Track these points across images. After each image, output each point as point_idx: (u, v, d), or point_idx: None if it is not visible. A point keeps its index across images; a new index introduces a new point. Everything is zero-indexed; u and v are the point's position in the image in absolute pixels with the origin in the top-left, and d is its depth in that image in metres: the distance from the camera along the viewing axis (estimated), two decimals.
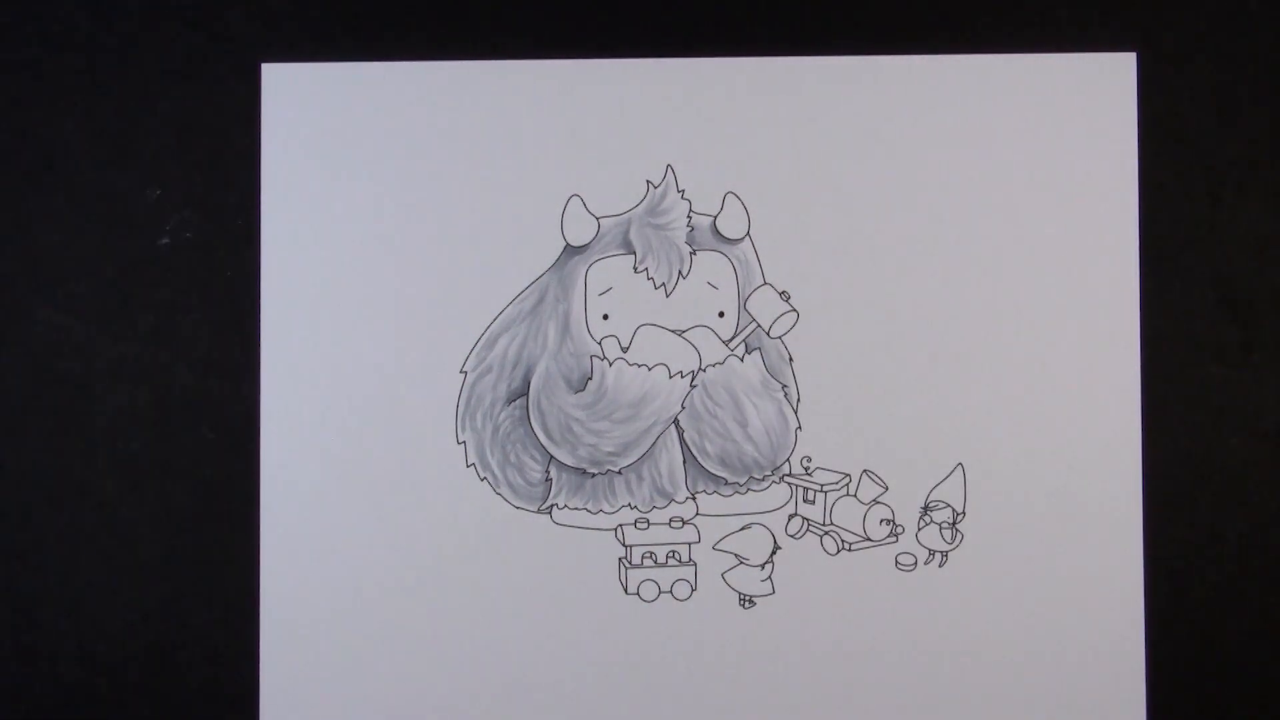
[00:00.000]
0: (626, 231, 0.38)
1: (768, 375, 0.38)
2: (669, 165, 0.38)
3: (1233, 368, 0.38)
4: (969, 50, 0.38)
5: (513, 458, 0.38)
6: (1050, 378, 0.37)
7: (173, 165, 0.38)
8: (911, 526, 0.38)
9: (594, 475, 0.38)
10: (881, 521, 0.38)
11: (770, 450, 0.38)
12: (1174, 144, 0.38)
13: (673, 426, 0.38)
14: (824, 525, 0.38)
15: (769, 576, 0.38)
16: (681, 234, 0.38)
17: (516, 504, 0.38)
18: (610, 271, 0.38)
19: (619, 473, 0.38)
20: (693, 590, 0.38)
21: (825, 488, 0.37)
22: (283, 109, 0.38)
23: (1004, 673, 0.37)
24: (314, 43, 0.38)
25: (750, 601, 0.38)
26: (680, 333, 0.38)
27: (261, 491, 0.38)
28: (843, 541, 0.38)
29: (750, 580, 0.38)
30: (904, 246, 0.38)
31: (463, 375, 0.38)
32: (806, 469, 0.38)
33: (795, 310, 0.38)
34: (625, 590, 0.38)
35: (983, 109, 0.38)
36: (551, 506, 0.38)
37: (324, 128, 0.38)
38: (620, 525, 0.38)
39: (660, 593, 0.38)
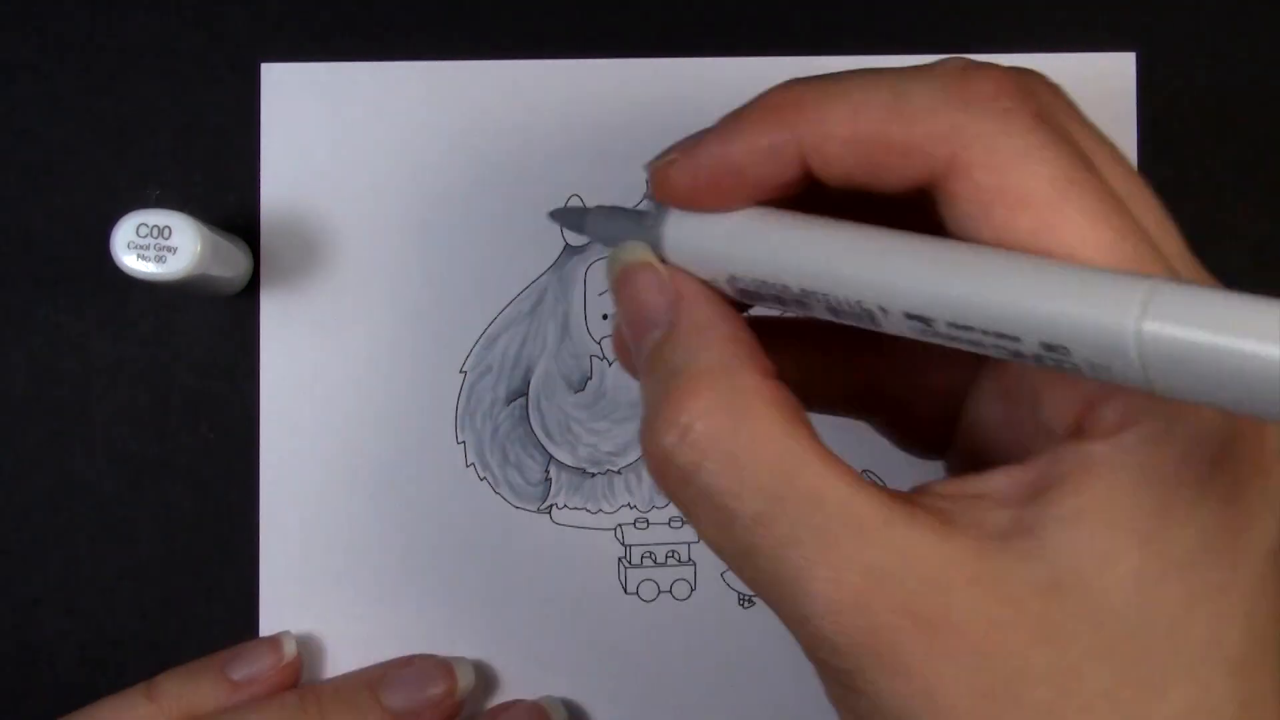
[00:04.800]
0: None
1: None
2: None
3: None
4: (969, 50, 0.38)
5: (512, 458, 0.38)
6: None
7: (172, 165, 0.38)
8: None
9: (594, 475, 0.38)
10: None
11: None
12: (1174, 144, 0.38)
13: None
14: None
15: None
16: None
17: (516, 504, 0.38)
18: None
19: (619, 472, 0.38)
20: (692, 590, 0.38)
21: None
22: (283, 109, 0.38)
23: None
24: (314, 43, 0.38)
25: (750, 601, 0.38)
26: None
27: (261, 491, 0.38)
28: None
29: None
30: None
31: (462, 375, 0.38)
32: None
33: None
34: (624, 590, 0.38)
35: None
36: (551, 506, 0.38)
37: (324, 128, 0.38)
38: (620, 525, 0.38)
39: (660, 592, 0.38)
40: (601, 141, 0.38)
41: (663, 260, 0.26)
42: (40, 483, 0.37)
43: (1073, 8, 0.38)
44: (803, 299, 0.24)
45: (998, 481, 0.23)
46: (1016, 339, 0.20)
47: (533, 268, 0.38)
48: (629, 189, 0.38)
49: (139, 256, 0.32)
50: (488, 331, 0.38)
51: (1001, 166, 0.22)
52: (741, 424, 0.23)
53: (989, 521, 0.22)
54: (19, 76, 0.38)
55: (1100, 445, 0.22)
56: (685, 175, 0.25)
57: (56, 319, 0.38)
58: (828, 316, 0.24)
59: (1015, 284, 0.20)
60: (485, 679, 0.37)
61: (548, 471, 0.38)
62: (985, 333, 0.20)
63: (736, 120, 0.25)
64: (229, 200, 0.38)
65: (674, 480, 0.24)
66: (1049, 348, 0.20)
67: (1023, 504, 0.22)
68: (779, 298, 0.24)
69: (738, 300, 0.25)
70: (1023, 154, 0.22)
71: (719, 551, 0.24)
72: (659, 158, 0.26)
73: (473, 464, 0.38)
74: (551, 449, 0.38)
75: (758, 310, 0.27)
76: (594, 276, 0.38)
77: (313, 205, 0.38)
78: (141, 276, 0.32)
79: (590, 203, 0.38)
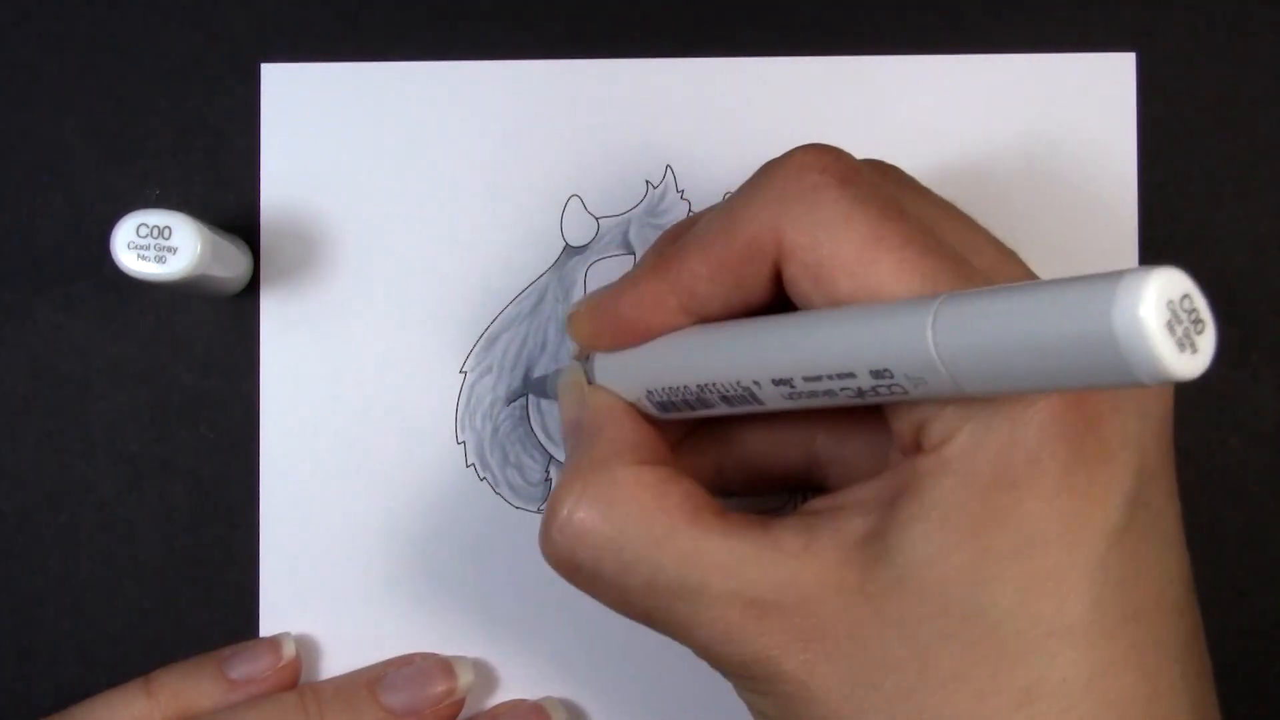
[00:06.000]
0: (626, 232, 0.38)
1: None
2: (668, 165, 0.38)
3: (1233, 368, 0.38)
4: (968, 50, 0.38)
5: (512, 458, 0.38)
6: None
7: (172, 165, 0.38)
8: None
9: None
10: None
11: None
12: (1174, 144, 0.38)
13: None
14: None
15: None
16: None
17: (516, 504, 0.38)
18: (610, 272, 0.38)
19: None
20: None
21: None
22: (283, 109, 0.38)
23: None
24: (314, 43, 0.38)
25: None
26: None
27: (261, 491, 0.38)
28: None
29: None
30: None
31: (462, 375, 0.38)
32: None
33: None
34: None
35: (982, 109, 0.38)
36: None
37: (324, 128, 0.38)
38: None
39: None
40: (601, 141, 0.38)
41: (591, 383, 0.31)
42: (40, 483, 0.37)
43: (1073, 8, 0.38)
44: (702, 395, 0.27)
45: (856, 493, 0.27)
46: (852, 374, 0.23)
47: (533, 268, 0.38)
48: (629, 189, 0.38)
49: (139, 256, 0.32)
50: (488, 331, 0.38)
51: (815, 244, 0.25)
52: (613, 507, 0.27)
53: (849, 528, 0.26)
54: (19, 76, 0.38)
55: (928, 458, 0.25)
56: (586, 327, 0.30)
57: (56, 319, 0.38)
58: (725, 409, 0.27)
59: (838, 329, 0.24)
60: (485, 679, 0.37)
61: (548, 471, 0.38)
62: (830, 377, 0.24)
63: (628, 279, 0.29)
64: (229, 200, 0.38)
65: (566, 568, 0.28)
66: (876, 374, 0.23)
67: (876, 511, 0.26)
68: (687, 402, 0.28)
69: (658, 413, 0.29)
70: (831, 225, 0.25)
71: (625, 615, 0.28)
72: (573, 306, 0.31)
73: (473, 464, 0.38)
74: (551, 449, 0.38)
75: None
76: (594, 277, 0.38)
77: (313, 205, 0.38)
78: (141, 276, 0.32)
79: (590, 204, 0.38)
